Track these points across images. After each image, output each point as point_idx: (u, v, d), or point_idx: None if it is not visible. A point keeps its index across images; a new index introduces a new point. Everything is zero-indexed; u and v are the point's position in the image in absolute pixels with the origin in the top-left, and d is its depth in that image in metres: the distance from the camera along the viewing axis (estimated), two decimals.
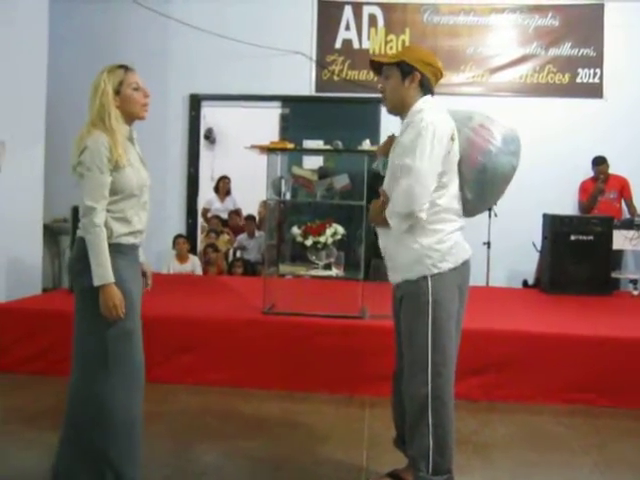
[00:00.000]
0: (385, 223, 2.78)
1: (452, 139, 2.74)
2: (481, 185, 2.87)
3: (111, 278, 2.66)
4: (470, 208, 2.92)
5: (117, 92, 2.79)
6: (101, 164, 2.69)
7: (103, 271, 2.66)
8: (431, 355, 2.71)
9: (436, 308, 2.72)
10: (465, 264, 2.83)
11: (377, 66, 2.95)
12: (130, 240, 2.82)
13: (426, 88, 2.83)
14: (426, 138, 2.63)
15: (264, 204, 8.58)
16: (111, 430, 2.74)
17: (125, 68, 2.84)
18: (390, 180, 2.82)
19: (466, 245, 2.86)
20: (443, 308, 2.74)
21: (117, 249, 2.75)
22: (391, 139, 2.95)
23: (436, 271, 2.72)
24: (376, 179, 3.11)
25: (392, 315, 3.02)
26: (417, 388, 2.73)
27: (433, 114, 2.72)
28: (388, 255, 2.90)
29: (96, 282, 2.65)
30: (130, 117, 2.86)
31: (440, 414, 2.72)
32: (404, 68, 2.81)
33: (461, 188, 2.84)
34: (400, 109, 2.86)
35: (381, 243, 2.94)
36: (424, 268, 2.73)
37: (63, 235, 7.91)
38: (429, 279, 2.72)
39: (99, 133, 2.72)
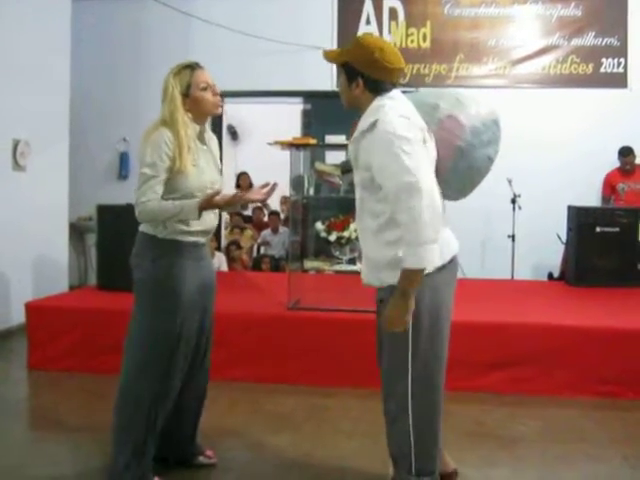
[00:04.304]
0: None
1: (424, 141, 2.50)
2: (457, 181, 2.66)
3: (195, 206, 2.68)
4: (451, 199, 2.74)
5: (186, 95, 2.77)
6: (160, 161, 2.67)
7: (187, 210, 2.67)
8: (411, 361, 2.56)
9: (421, 312, 2.53)
10: (453, 261, 2.66)
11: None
12: (188, 238, 2.82)
13: (377, 89, 2.56)
14: (397, 148, 2.38)
15: (285, 200, 8.63)
16: (142, 430, 2.80)
17: (192, 68, 2.81)
18: (361, 191, 2.62)
19: (452, 241, 2.69)
20: (427, 310, 2.55)
21: (173, 246, 2.78)
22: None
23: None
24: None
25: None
26: (396, 389, 2.62)
27: (395, 120, 2.44)
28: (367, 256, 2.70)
29: (195, 215, 2.69)
30: (203, 116, 2.86)
31: (421, 414, 2.60)
32: (348, 71, 2.58)
33: (439, 183, 2.57)
34: (355, 108, 2.63)
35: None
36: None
37: (89, 233, 8.01)
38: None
39: (166, 130, 2.71)
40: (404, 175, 2.35)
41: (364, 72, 2.54)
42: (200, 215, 2.71)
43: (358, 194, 2.67)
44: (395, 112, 2.47)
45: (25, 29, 6.01)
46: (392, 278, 2.49)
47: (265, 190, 2.94)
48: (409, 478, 2.63)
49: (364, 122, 2.53)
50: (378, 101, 2.55)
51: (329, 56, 2.68)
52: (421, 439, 2.61)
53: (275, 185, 2.94)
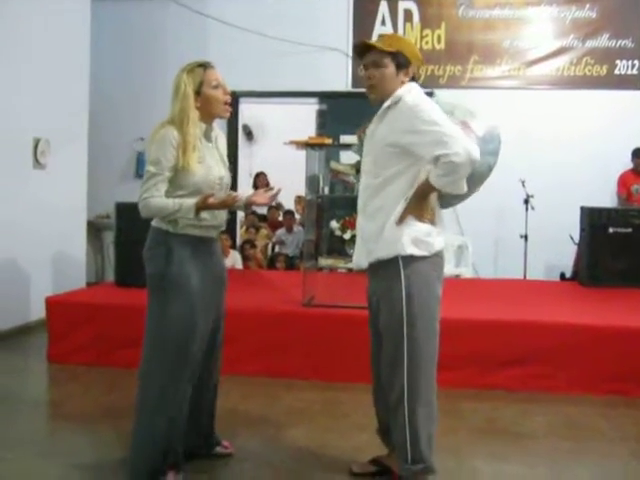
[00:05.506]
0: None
1: None
2: None
3: (192, 205, 2.75)
4: (445, 202, 2.88)
5: (198, 93, 2.83)
6: (164, 159, 2.75)
7: (185, 209, 2.75)
8: (407, 354, 2.71)
9: (415, 306, 2.72)
10: (440, 256, 2.81)
11: (364, 51, 2.81)
12: (200, 233, 2.88)
13: (413, 78, 2.82)
14: (429, 109, 2.66)
15: (299, 199, 8.69)
16: (153, 416, 2.86)
17: (204, 66, 2.87)
18: (379, 158, 2.77)
19: (439, 239, 2.81)
20: (422, 305, 2.73)
21: (185, 241, 2.84)
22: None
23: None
24: None
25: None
26: (394, 381, 2.76)
27: (419, 98, 2.71)
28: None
29: (192, 215, 2.76)
30: (211, 116, 2.91)
31: (416, 405, 2.72)
32: (401, 60, 2.75)
33: None
34: (387, 98, 2.77)
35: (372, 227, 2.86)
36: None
37: (106, 231, 8.10)
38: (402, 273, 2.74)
39: (172, 129, 2.77)
40: (441, 136, 2.57)
41: (414, 63, 2.79)
42: (197, 214, 2.78)
43: (371, 177, 2.82)
44: (420, 93, 2.75)
45: (45, 30, 6.10)
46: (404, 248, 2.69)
47: (269, 194, 3.01)
48: (404, 466, 2.76)
49: (389, 100, 2.73)
50: (407, 87, 2.76)
51: (378, 45, 2.78)
52: (416, 429, 2.72)
53: (279, 191, 3.02)
